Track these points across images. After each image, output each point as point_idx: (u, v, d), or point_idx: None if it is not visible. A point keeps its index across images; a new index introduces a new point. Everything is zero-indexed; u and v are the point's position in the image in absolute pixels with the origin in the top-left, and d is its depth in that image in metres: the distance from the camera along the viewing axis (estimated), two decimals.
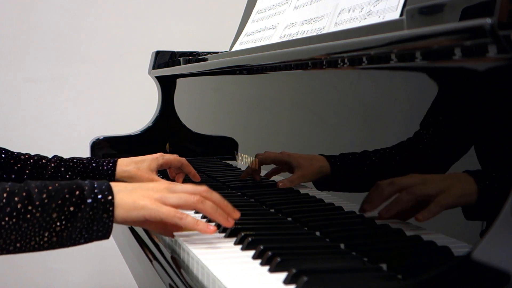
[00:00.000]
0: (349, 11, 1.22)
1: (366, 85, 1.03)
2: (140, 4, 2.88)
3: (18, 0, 2.77)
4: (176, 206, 1.02)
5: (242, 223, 1.09)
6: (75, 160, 1.48)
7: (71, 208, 0.95)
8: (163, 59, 2.16)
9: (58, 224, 0.94)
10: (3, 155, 1.42)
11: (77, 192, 0.96)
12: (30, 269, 2.77)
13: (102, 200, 0.97)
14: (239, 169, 1.59)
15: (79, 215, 0.95)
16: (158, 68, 2.15)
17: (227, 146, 1.67)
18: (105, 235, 0.99)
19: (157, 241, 1.13)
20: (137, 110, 2.67)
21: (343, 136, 1.11)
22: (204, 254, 0.95)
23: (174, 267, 0.98)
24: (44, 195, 0.94)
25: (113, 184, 1.00)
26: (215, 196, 1.05)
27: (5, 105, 2.78)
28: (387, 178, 0.96)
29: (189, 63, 1.93)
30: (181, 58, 2.05)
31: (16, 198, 0.93)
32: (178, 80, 2.12)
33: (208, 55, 1.89)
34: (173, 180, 1.56)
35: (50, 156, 1.48)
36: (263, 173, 1.42)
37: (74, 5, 2.82)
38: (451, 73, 0.82)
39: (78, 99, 2.83)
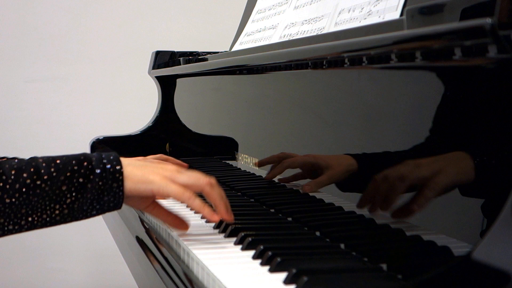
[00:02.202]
0: (349, 11, 1.22)
1: (366, 85, 1.03)
2: (140, 4, 2.88)
3: (18, 0, 2.77)
4: (185, 185, 1.01)
5: (242, 223, 1.09)
6: None
7: (80, 180, 0.95)
8: (163, 59, 2.16)
9: (68, 196, 0.94)
10: None
11: (85, 163, 0.95)
12: (30, 269, 2.77)
13: (111, 169, 0.96)
14: (239, 169, 1.59)
15: (89, 186, 0.95)
16: (158, 68, 2.15)
17: (227, 146, 1.67)
18: (117, 205, 0.98)
19: (157, 241, 1.13)
20: (137, 110, 2.67)
21: (343, 136, 1.11)
22: (204, 254, 0.95)
23: (174, 267, 0.98)
24: (52, 169, 0.94)
25: (122, 157, 1.00)
26: (222, 189, 1.06)
27: (5, 105, 2.78)
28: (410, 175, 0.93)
29: (189, 63, 1.93)
30: (181, 58, 2.05)
31: (24, 174, 0.93)
32: (178, 80, 2.12)
33: (208, 55, 1.89)
34: None
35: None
36: (263, 173, 1.42)
37: (74, 5, 2.82)
38: (451, 73, 0.82)
39: (78, 99, 2.83)
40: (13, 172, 0.93)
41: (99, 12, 2.85)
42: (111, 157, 0.98)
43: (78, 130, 2.74)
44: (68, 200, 0.94)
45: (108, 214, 1.44)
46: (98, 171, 0.95)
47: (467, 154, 0.79)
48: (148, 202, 1.06)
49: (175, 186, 1.00)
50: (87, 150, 2.07)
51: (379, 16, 1.10)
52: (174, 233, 1.09)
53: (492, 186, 0.75)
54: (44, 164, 0.95)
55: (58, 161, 0.95)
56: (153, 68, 2.17)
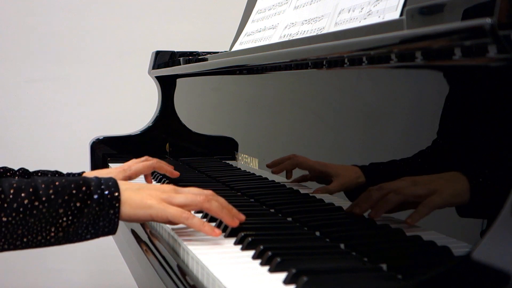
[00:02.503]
0: (349, 11, 1.22)
1: (366, 85, 1.03)
2: (140, 4, 2.88)
3: (18, 0, 2.77)
4: (183, 206, 1.03)
5: (242, 223, 1.09)
6: (39, 174, 1.42)
7: (78, 204, 0.95)
8: (163, 59, 2.16)
9: (64, 219, 0.95)
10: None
11: (84, 188, 0.96)
12: (30, 269, 2.77)
13: (109, 196, 0.97)
14: (239, 169, 1.59)
15: (86, 210, 0.95)
16: (158, 68, 2.15)
17: (227, 146, 1.67)
18: (111, 231, 0.99)
19: (157, 241, 1.13)
20: (137, 110, 2.67)
21: (343, 136, 1.11)
22: (204, 254, 0.95)
23: (174, 267, 0.98)
24: (51, 191, 0.95)
25: (119, 181, 1.01)
26: (221, 199, 1.07)
27: (5, 105, 2.78)
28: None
29: (189, 63, 1.93)
30: (181, 58, 2.05)
31: (22, 194, 0.93)
32: (178, 80, 2.12)
33: (208, 55, 1.89)
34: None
35: (16, 169, 1.42)
36: (263, 173, 1.42)
37: (74, 5, 2.82)
38: (451, 73, 0.82)
39: (78, 99, 2.83)
40: (12, 191, 0.93)
41: (99, 12, 2.84)
42: (110, 183, 0.99)
43: (78, 130, 2.74)
44: (64, 224, 0.95)
45: None
46: (95, 196, 0.96)
47: (463, 174, 0.79)
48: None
49: (173, 209, 1.01)
50: (87, 150, 2.07)
51: (379, 16, 1.10)
52: (175, 232, 1.09)
53: (492, 186, 0.75)
54: (43, 186, 0.95)
55: (57, 183, 0.96)
56: (153, 68, 2.17)
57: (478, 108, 0.79)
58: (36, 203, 0.93)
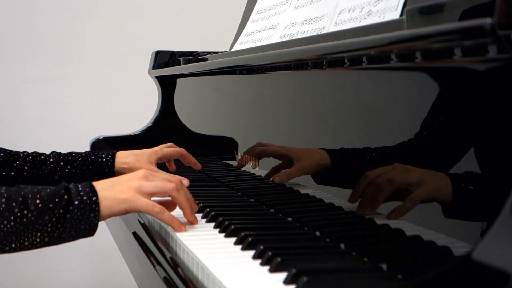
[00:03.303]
0: (349, 11, 1.22)
1: (366, 85, 1.03)
2: (140, 4, 2.88)
3: (18, 0, 2.77)
4: (153, 194, 1.10)
5: (242, 223, 1.09)
6: (73, 154, 1.49)
7: (61, 211, 1.02)
8: (163, 59, 2.16)
9: (49, 225, 1.01)
10: (1, 154, 1.43)
11: (66, 196, 1.03)
12: (30, 269, 2.77)
13: (88, 201, 1.04)
14: (239, 169, 1.59)
15: (68, 216, 1.02)
16: (158, 68, 2.15)
17: (227, 146, 1.67)
18: (91, 233, 1.06)
19: (157, 241, 1.13)
20: (137, 110, 2.67)
21: (343, 136, 1.11)
22: (204, 254, 0.95)
23: (174, 267, 0.98)
24: (38, 200, 1.01)
25: (94, 183, 1.07)
26: (185, 189, 1.15)
27: (5, 105, 2.78)
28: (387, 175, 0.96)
29: (189, 63, 1.93)
30: (181, 58, 2.05)
31: (13, 203, 1.00)
32: (178, 80, 2.12)
33: (208, 55, 1.89)
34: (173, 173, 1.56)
35: (48, 153, 1.49)
36: (263, 173, 1.42)
37: (74, 5, 2.82)
38: (451, 73, 0.82)
39: (78, 99, 2.83)
40: (3, 200, 1.00)
41: (99, 12, 2.84)
42: (87, 189, 1.05)
43: (78, 130, 2.74)
44: (49, 229, 1.01)
45: None
46: (76, 202, 1.03)
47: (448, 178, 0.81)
48: None
49: (144, 202, 1.08)
50: (87, 150, 2.07)
51: (379, 16, 1.10)
52: (174, 232, 1.09)
53: (492, 186, 0.75)
54: (30, 195, 1.01)
55: (42, 193, 1.02)
56: (153, 68, 2.17)
57: (478, 108, 0.79)
58: (25, 212, 1.00)
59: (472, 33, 0.68)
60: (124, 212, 1.08)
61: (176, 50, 2.17)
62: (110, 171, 1.46)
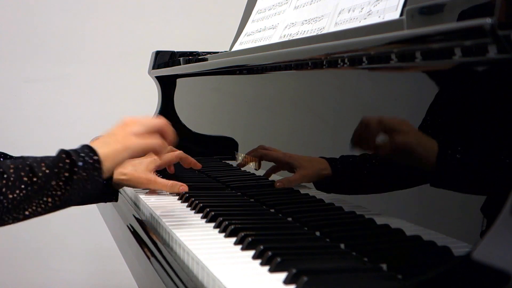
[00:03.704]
0: (349, 11, 1.22)
1: (366, 85, 1.03)
2: (140, 4, 2.88)
3: (18, 0, 2.77)
4: (146, 132, 1.17)
5: (242, 223, 1.09)
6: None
7: (66, 174, 1.05)
8: (163, 59, 2.16)
9: (58, 189, 1.05)
10: (1, 159, 1.41)
11: (68, 160, 1.06)
12: (30, 269, 2.77)
13: (90, 160, 1.08)
14: (239, 169, 1.59)
15: (75, 177, 1.06)
16: (158, 68, 2.15)
17: (227, 146, 1.67)
18: (99, 195, 1.17)
19: (156, 241, 1.13)
20: (137, 110, 2.66)
21: (343, 136, 1.11)
22: (204, 254, 0.95)
23: (173, 267, 0.98)
24: (43, 168, 1.05)
25: (91, 144, 1.12)
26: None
27: (5, 105, 2.78)
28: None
29: (189, 63, 1.93)
30: (181, 58, 2.05)
31: (22, 173, 1.03)
32: (178, 80, 2.12)
33: (208, 55, 1.89)
34: (173, 177, 1.56)
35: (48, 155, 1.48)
36: (262, 172, 1.42)
37: (74, 5, 2.82)
38: (451, 73, 0.82)
39: (78, 99, 2.83)
40: (11, 171, 1.03)
41: (99, 12, 2.84)
42: (86, 150, 1.09)
43: (78, 130, 2.73)
44: (59, 193, 1.05)
45: (108, 213, 1.44)
46: (80, 163, 1.06)
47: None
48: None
49: (143, 142, 1.15)
50: None
51: (379, 16, 1.10)
52: (174, 232, 1.09)
53: (492, 186, 0.75)
54: (35, 164, 1.05)
55: (46, 161, 1.06)
56: (153, 68, 2.17)
57: (478, 108, 0.79)
58: (35, 179, 1.03)
59: (472, 33, 0.68)
60: (127, 157, 1.13)
61: (176, 50, 2.17)
62: (108, 183, 1.45)
